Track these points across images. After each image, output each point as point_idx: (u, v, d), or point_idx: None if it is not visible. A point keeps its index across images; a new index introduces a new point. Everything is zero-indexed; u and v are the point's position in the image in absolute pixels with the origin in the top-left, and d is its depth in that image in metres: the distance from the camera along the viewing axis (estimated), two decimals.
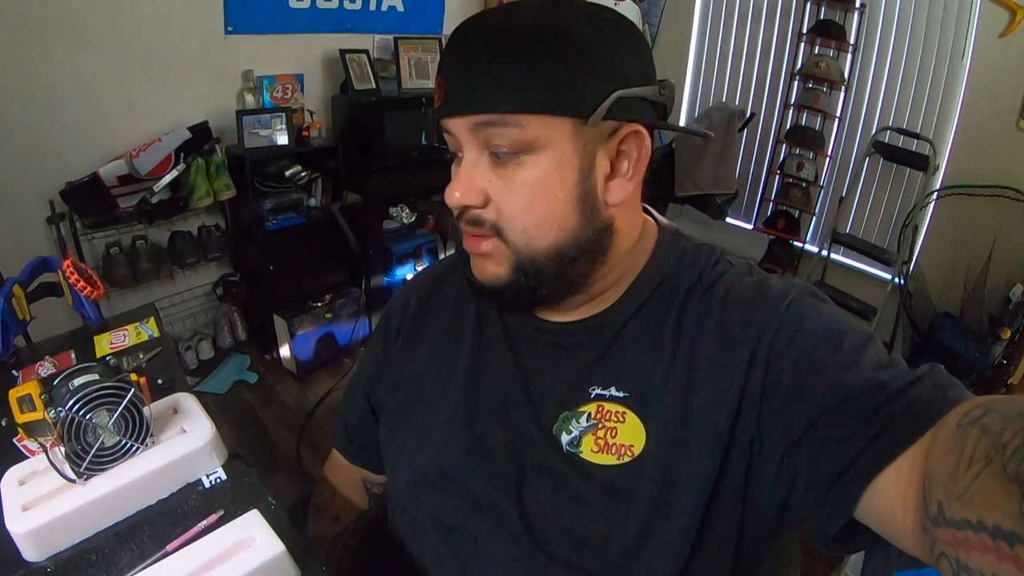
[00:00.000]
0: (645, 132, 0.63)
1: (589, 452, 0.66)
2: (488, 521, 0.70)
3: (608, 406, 0.67)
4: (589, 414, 0.67)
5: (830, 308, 0.63)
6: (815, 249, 3.34)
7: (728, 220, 3.53)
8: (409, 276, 3.26)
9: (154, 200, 2.46)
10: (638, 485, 0.63)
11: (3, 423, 0.96)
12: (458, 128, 0.61)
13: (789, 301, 0.62)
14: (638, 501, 0.63)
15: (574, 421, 0.68)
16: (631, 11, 3.49)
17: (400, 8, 3.26)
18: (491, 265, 0.66)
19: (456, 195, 0.62)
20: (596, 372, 0.68)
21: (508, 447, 0.71)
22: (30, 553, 0.74)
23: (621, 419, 0.66)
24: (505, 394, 0.73)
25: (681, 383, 0.64)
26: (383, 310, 0.92)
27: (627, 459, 0.64)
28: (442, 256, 3.40)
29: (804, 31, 3.19)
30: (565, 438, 0.68)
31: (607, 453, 0.65)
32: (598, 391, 0.68)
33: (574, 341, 0.71)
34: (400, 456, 0.80)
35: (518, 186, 0.60)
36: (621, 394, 0.66)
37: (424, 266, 3.31)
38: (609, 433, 0.66)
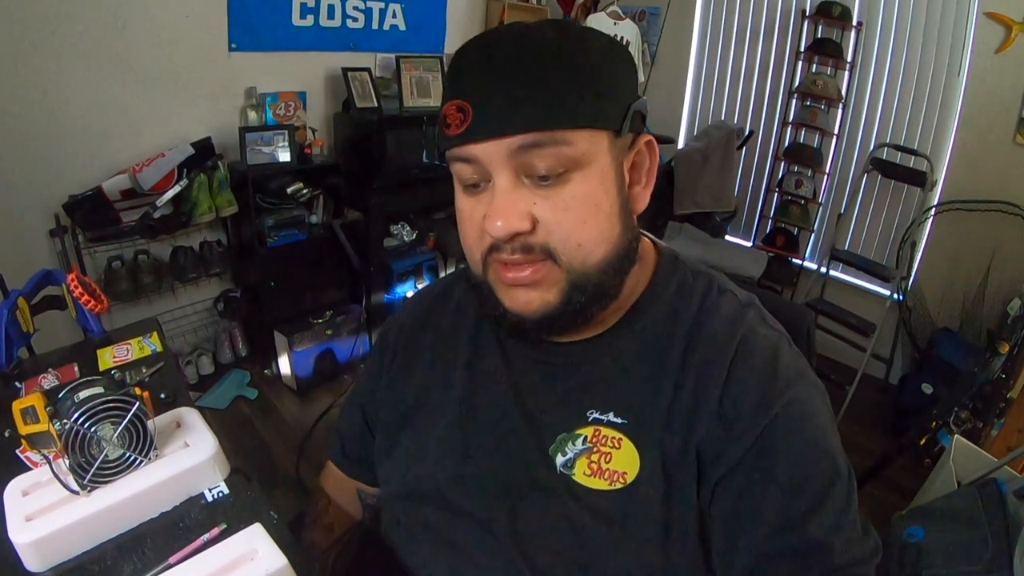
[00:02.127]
0: (655, 141, 0.66)
1: (582, 475, 0.66)
2: (480, 536, 0.70)
3: (605, 431, 0.67)
4: (585, 437, 0.67)
5: (822, 420, 0.62)
6: (814, 266, 3.35)
7: (727, 238, 3.55)
8: (409, 294, 3.28)
9: (156, 215, 2.47)
10: (628, 513, 0.63)
11: (6, 434, 0.96)
12: (490, 153, 0.58)
13: (786, 401, 0.61)
14: (626, 529, 0.63)
15: (570, 443, 0.68)
16: (631, 30, 3.53)
17: (402, 27, 3.30)
18: (539, 293, 0.62)
19: (499, 224, 0.58)
20: (595, 395, 0.68)
21: (503, 464, 0.71)
22: (33, 564, 0.74)
23: (617, 445, 0.66)
24: (501, 412, 0.73)
25: (682, 420, 0.64)
26: (380, 328, 0.92)
27: (619, 486, 0.64)
28: (443, 274, 3.42)
29: (802, 49, 3.22)
30: (560, 459, 0.68)
31: (599, 478, 0.65)
32: (596, 415, 0.67)
33: (573, 362, 0.71)
34: (395, 470, 0.80)
35: (569, 203, 0.59)
36: (619, 420, 0.66)
37: (424, 284, 3.32)
38: (603, 458, 0.66)
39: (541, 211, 0.59)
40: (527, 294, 0.63)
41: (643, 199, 0.66)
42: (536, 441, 0.69)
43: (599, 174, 0.59)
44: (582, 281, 0.61)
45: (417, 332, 0.85)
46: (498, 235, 0.59)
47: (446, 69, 0.63)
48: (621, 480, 0.64)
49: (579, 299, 0.62)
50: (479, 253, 0.63)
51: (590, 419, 0.67)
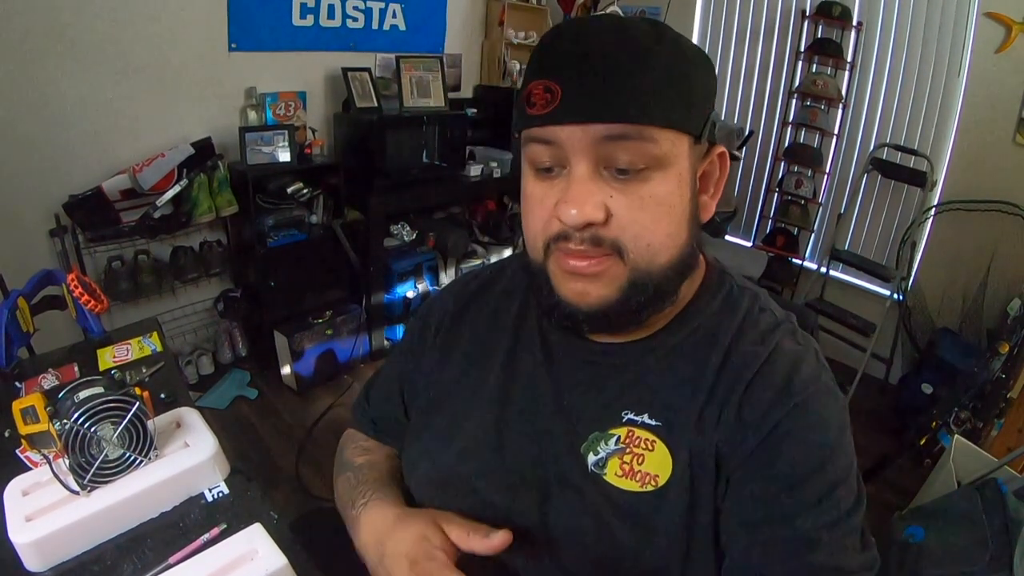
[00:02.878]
0: (727, 154, 0.65)
1: (613, 475, 0.66)
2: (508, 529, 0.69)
3: (639, 432, 0.66)
4: (619, 437, 0.67)
5: (832, 427, 0.62)
6: (814, 266, 3.35)
7: (727, 238, 3.55)
8: (410, 292, 3.29)
9: (156, 215, 2.47)
10: (657, 516, 0.63)
11: (6, 434, 0.96)
12: (573, 139, 0.57)
13: (796, 403, 0.61)
14: (655, 531, 0.63)
15: (603, 443, 0.67)
16: None
17: (402, 27, 3.30)
18: (598, 287, 0.61)
19: (573, 212, 0.57)
20: (631, 396, 0.68)
21: (534, 460, 0.71)
22: (33, 564, 0.74)
23: (650, 447, 0.65)
24: (536, 406, 0.73)
25: (709, 427, 0.64)
26: (422, 306, 0.91)
27: (650, 488, 0.64)
28: (443, 274, 3.42)
29: (802, 49, 3.22)
30: (591, 458, 0.67)
31: (631, 479, 0.65)
32: (631, 416, 0.67)
33: (613, 362, 0.70)
34: (424, 455, 0.79)
35: (647, 202, 0.58)
36: (654, 422, 0.66)
37: (424, 284, 3.32)
38: (636, 459, 0.66)
39: (616, 205, 0.58)
40: (585, 285, 0.62)
41: (710, 208, 0.66)
42: (569, 438, 0.69)
43: (677, 177, 0.59)
44: (644, 281, 0.61)
45: (460, 316, 0.84)
46: (572, 223, 0.58)
47: (534, 48, 0.61)
48: (653, 483, 0.64)
49: (638, 299, 0.62)
50: (543, 239, 0.62)
51: (624, 420, 0.67)
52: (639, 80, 0.54)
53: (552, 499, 0.68)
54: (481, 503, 0.71)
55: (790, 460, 0.60)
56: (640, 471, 0.65)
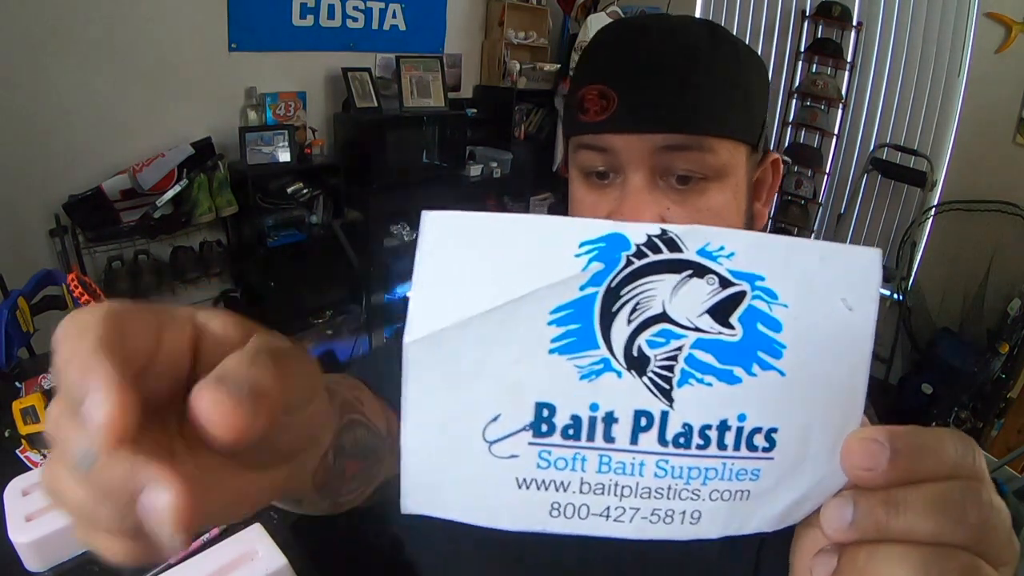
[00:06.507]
0: (780, 161, 0.63)
1: None
2: (543, 553, 0.62)
3: None
4: None
5: None
6: None
7: None
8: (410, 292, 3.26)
9: (156, 215, 2.47)
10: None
11: (7, 434, 0.96)
12: (630, 148, 0.53)
13: None
14: (691, 553, 0.60)
15: None
16: None
17: (402, 27, 3.30)
18: None
19: None
20: None
21: None
22: (33, 563, 0.74)
23: None
24: None
25: None
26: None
27: None
28: None
29: (802, 49, 3.22)
30: None
31: None
32: None
33: None
34: None
35: (703, 214, 0.55)
36: None
37: None
38: None
39: (674, 217, 0.54)
40: None
41: (763, 217, 0.64)
42: None
43: (734, 188, 0.56)
44: None
45: None
46: None
47: (585, 49, 0.59)
48: None
49: None
50: None
51: None
52: (698, 87, 0.52)
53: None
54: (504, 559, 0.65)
55: None
56: None
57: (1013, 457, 1.85)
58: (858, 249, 0.28)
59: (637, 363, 0.28)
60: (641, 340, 0.28)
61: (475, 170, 3.37)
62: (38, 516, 0.76)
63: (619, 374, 0.28)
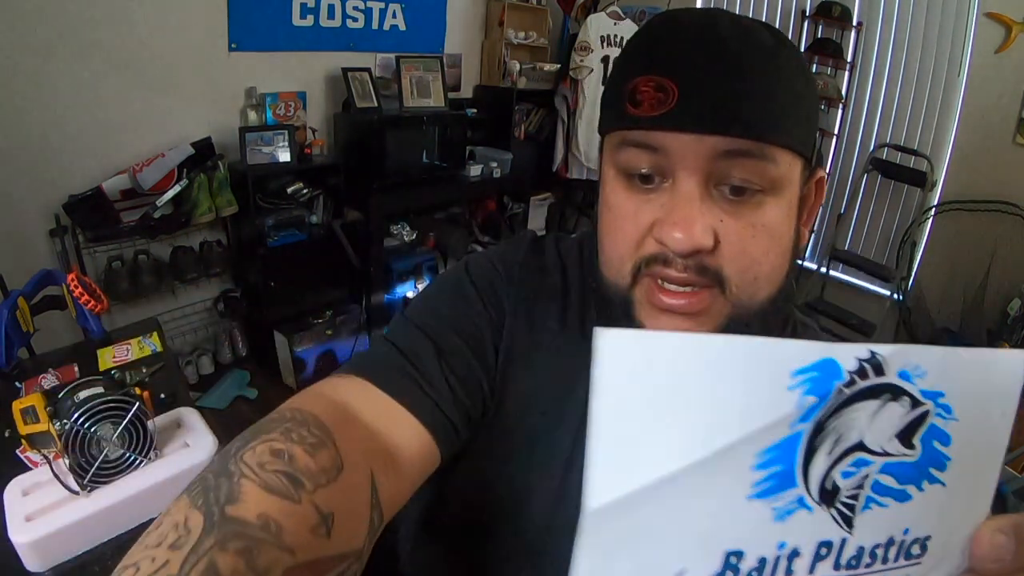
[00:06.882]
0: (825, 177, 0.59)
1: None
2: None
3: None
4: None
5: None
6: (814, 266, 3.35)
7: None
8: (410, 292, 3.29)
9: (156, 215, 2.47)
10: None
11: (6, 434, 0.96)
12: (685, 149, 0.48)
13: None
14: None
15: None
16: (631, 31, 3.52)
17: (402, 27, 3.30)
18: (693, 324, 0.51)
19: (678, 236, 0.48)
20: None
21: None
22: (33, 563, 0.74)
23: None
24: None
25: None
26: (471, 268, 0.65)
27: None
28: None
29: (802, 49, 3.22)
30: None
31: None
32: None
33: None
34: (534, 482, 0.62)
35: (758, 229, 0.50)
36: None
37: (424, 283, 3.31)
38: None
39: (726, 231, 0.49)
40: (679, 323, 0.51)
41: (805, 237, 0.59)
42: None
43: (787, 203, 0.52)
44: (746, 317, 0.52)
45: (531, 308, 0.64)
46: (677, 248, 0.48)
47: (633, 39, 0.53)
48: None
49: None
50: (632, 263, 0.52)
51: None
52: (768, 90, 0.47)
53: None
54: (546, 560, 0.61)
55: None
56: None
57: (1013, 457, 1.85)
58: (1014, 356, 0.28)
59: (829, 496, 0.27)
60: (836, 472, 0.27)
61: (475, 170, 3.37)
62: (38, 516, 0.76)
63: (811, 509, 0.27)
